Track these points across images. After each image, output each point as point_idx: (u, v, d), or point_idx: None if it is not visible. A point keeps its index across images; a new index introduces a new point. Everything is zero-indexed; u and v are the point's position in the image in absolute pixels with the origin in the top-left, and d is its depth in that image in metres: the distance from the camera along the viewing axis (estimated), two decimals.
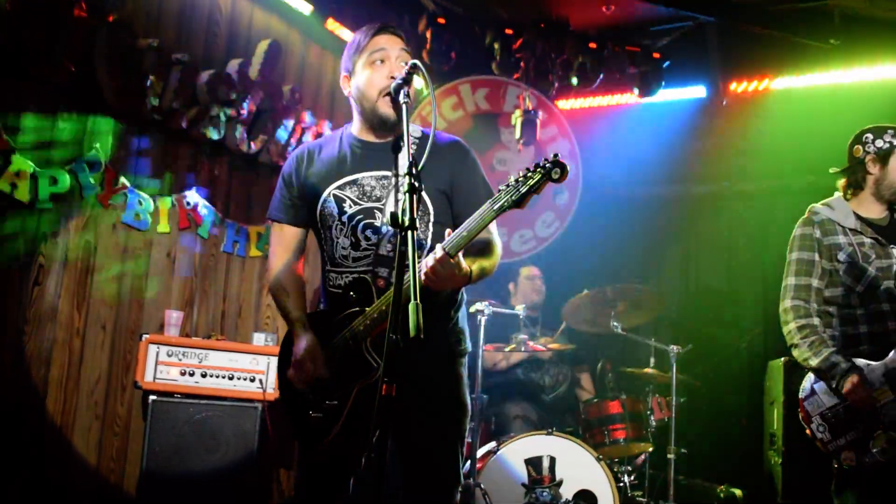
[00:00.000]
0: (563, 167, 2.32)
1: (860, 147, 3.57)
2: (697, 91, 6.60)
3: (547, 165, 2.33)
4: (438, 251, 2.37)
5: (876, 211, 3.57)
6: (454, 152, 2.78)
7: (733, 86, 6.48)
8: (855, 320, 3.46)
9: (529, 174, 2.35)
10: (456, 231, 2.41)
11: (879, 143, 3.52)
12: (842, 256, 3.48)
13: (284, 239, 2.83)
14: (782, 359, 5.12)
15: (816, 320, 3.46)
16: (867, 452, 3.24)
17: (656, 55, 5.96)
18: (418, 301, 2.03)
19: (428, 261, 2.38)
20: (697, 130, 6.62)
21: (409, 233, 2.14)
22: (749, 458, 5.49)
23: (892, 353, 3.31)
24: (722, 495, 5.07)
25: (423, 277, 2.38)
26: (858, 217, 3.55)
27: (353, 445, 2.66)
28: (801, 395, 3.47)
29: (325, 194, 2.73)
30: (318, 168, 2.78)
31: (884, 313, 3.41)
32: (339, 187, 2.72)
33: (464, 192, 2.74)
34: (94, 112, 4.18)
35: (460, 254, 2.40)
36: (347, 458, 2.70)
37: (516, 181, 2.36)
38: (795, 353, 3.48)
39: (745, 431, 5.76)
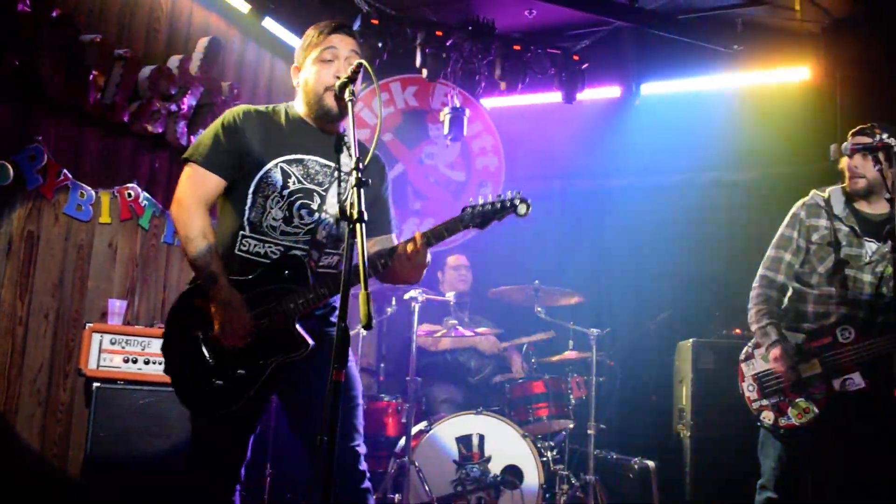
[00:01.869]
0: (528, 205, 2.71)
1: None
2: (613, 91, 6.88)
3: (516, 203, 2.71)
4: (420, 238, 2.60)
5: (880, 207, 3.58)
6: (376, 166, 2.97)
7: (646, 86, 6.81)
8: (806, 299, 3.67)
9: (497, 205, 2.69)
10: (436, 227, 2.66)
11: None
12: (815, 237, 3.65)
13: (206, 188, 2.75)
14: (690, 340, 5.45)
15: (775, 292, 3.69)
16: (785, 415, 3.56)
17: (575, 57, 6.27)
18: (367, 291, 2.12)
19: (408, 245, 2.59)
20: (612, 128, 6.83)
21: (358, 225, 2.24)
22: (660, 432, 5.78)
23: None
24: (636, 467, 5.33)
25: (403, 255, 2.61)
26: (851, 208, 3.62)
27: (253, 409, 2.82)
28: (741, 357, 3.78)
29: (270, 164, 2.77)
30: (265, 135, 2.80)
31: (831, 296, 3.58)
32: (286, 161, 2.79)
33: (378, 207, 2.94)
34: (37, 105, 4.21)
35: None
36: (248, 421, 2.83)
37: (483, 206, 2.70)
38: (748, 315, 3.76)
39: (657, 407, 6.03)
